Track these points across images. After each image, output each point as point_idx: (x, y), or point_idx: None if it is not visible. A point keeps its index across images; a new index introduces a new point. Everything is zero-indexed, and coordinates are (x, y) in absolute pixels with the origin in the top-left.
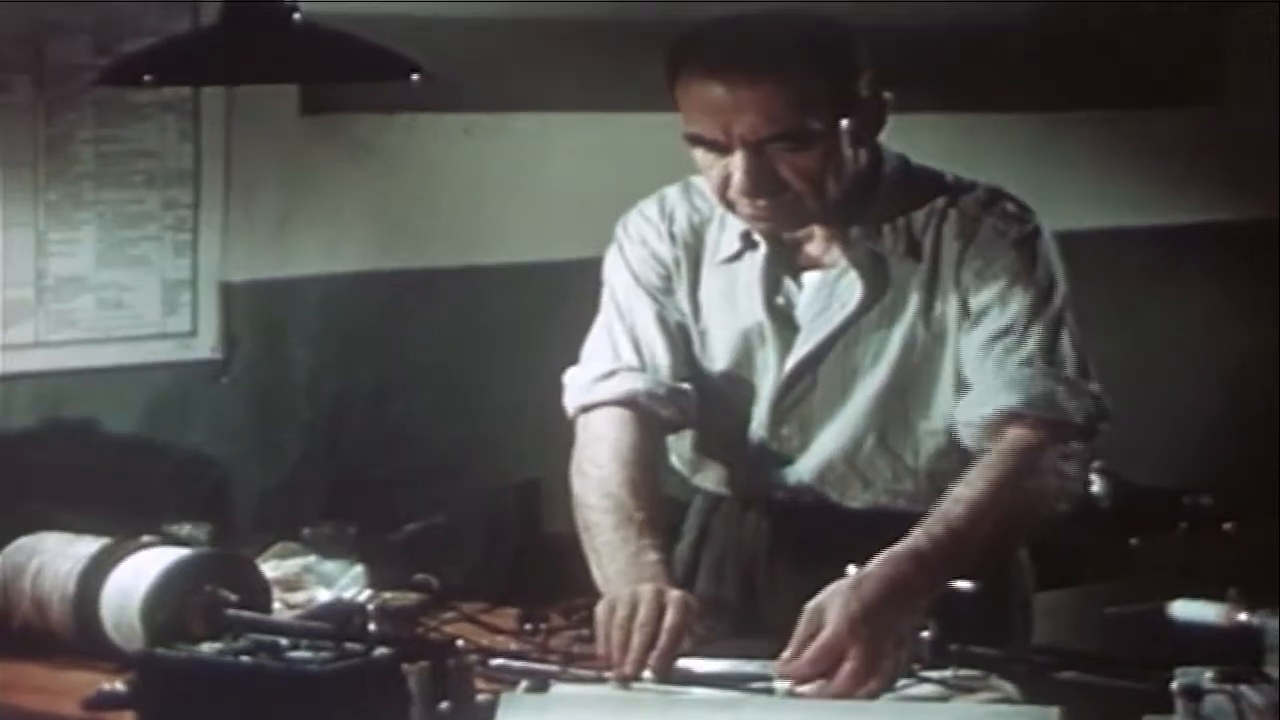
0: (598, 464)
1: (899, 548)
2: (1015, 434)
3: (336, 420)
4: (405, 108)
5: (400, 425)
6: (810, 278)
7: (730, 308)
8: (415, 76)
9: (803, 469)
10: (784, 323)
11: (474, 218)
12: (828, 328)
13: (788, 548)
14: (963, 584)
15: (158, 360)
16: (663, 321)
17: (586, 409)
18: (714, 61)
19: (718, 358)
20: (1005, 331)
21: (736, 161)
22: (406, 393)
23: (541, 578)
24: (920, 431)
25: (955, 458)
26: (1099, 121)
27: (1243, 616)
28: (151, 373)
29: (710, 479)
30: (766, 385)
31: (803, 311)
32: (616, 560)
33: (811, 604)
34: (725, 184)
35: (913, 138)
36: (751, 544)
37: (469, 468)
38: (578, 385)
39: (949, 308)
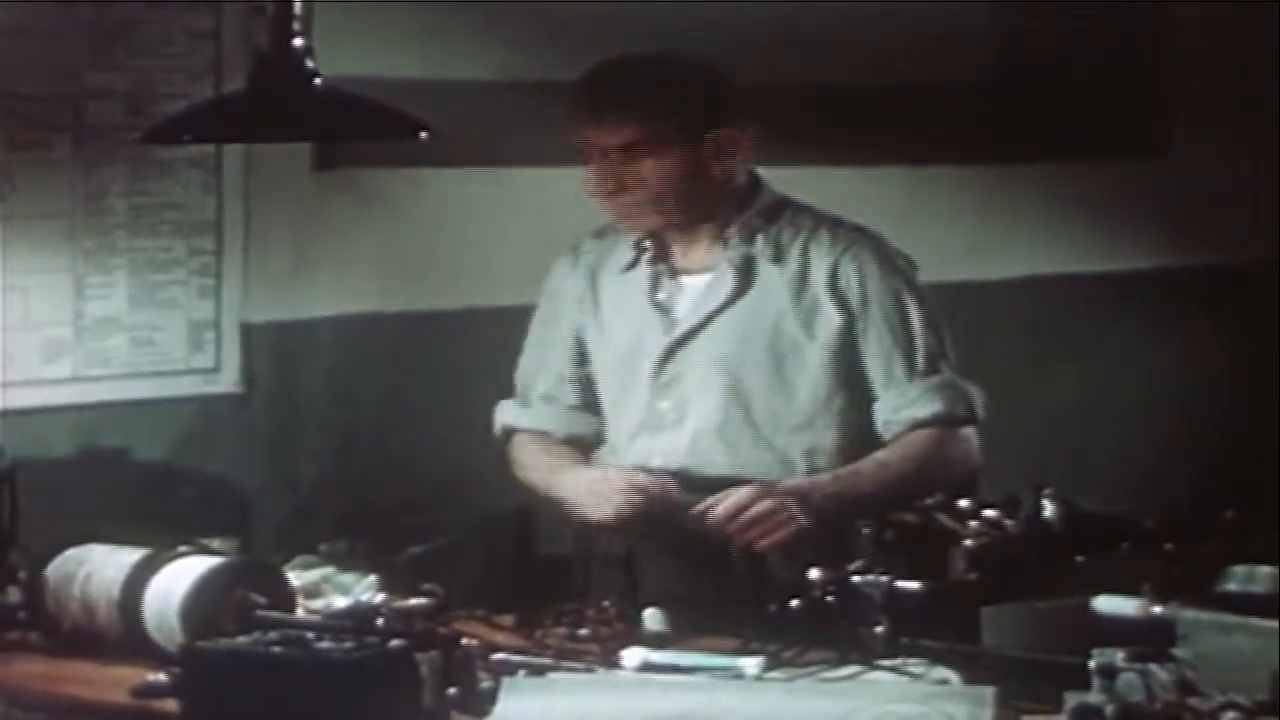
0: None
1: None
2: (925, 433)
3: (347, 450)
4: (410, 162)
5: (405, 455)
6: (690, 280)
7: (625, 307)
8: (423, 134)
9: (677, 440)
10: (664, 314)
11: (472, 263)
12: (698, 316)
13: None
14: (913, 585)
15: (184, 394)
16: (562, 340)
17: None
18: (589, 88)
19: (615, 351)
20: (903, 341)
21: (594, 166)
22: (411, 424)
23: (536, 592)
24: (780, 411)
25: (806, 435)
26: (1048, 173)
27: (1157, 609)
28: (178, 405)
29: (610, 457)
30: (648, 366)
31: (681, 305)
32: (555, 470)
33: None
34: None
35: (869, 189)
36: None
37: (469, 494)
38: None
39: (825, 311)
